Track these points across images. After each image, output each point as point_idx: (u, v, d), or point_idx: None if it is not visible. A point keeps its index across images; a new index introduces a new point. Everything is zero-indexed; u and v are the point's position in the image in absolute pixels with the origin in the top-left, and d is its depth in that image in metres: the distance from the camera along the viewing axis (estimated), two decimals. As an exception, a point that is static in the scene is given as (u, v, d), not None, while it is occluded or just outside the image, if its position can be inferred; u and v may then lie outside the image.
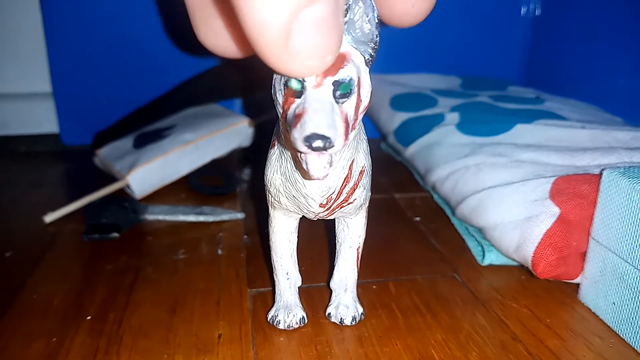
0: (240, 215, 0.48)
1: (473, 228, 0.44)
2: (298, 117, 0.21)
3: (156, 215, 0.48)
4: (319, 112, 0.21)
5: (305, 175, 0.26)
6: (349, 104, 0.23)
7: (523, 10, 0.74)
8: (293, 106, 0.22)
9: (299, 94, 0.22)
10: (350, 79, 0.22)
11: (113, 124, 0.67)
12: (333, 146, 0.21)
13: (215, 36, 0.21)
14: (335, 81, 0.22)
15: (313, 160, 0.22)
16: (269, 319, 0.34)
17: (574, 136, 0.44)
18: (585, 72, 0.64)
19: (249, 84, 0.65)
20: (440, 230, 0.47)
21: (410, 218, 0.50)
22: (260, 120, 0.60)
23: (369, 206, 0.32)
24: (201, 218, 0.47)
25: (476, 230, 0.43)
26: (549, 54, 0.72)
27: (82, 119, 0.69)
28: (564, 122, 0.47)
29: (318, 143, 0.20)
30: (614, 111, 0.56)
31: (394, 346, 0.32)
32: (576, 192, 0.35)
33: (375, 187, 0.31)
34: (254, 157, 0.65)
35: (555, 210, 0.35)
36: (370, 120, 0.66)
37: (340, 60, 0.22)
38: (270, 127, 0.31)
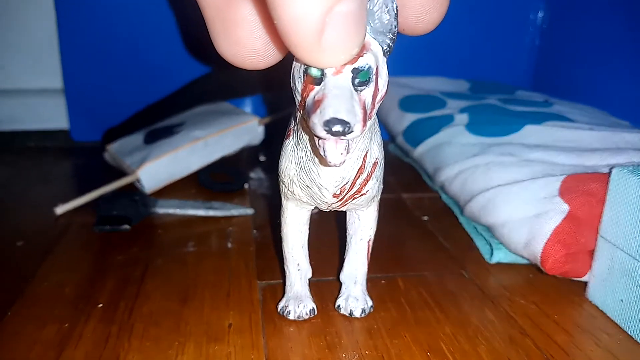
0: (249, 211, 0.49)
1: (481, 227, 0.44)
2: (317, 103, 0.22)
3: (166, 209, 0.48)
4: (339, 98, 0.21)
5: (323, 161, 0.26)
6: (367, 92, 0.23)
7: (531, 17, 0.75)
8: (312, 93, 0.23)
9: (318, 81, 0.22)
10: (369, 67, 0.23)
11: (123, 121, 0.68)
12: (352, 131, 0.21)
13: (235, 47, 0.21)
14: (355, 69, 0.22)
15: (331, 147, 0.22)
16: (279, 310, 0.34)
17: (583, 137, 0.44)
18: (592, 78, 0.65)
19: (260, 83, 0.66)
20: (448, 229, 0.47)
21: (418, 217, 0.50)
22: (270, 119, 0.61)
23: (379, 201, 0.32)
24: (211, 213, 0.48)
25: (484, 229, 0.43)
26: (557, 60, 0.72)
27: (93, 116, 0.70)
28: (572, 124, 0.47)
29: (337, 127, 0.21)
30: (621, 116, 0.56)
31: (403, 338, 0.32)
32: (585, 190, 0.36)
33: (383, 186, 0.32)
34: (265, 156, 0.65)
35: (565, 208, 0.36)
36: (379, 121, 0.67)
37: (361, 49, 0.22)
38: (281, 126, 0.31)
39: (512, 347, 0.31)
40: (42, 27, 0.69)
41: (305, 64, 0.23)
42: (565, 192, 0.36)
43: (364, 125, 0.22)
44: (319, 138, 0.22)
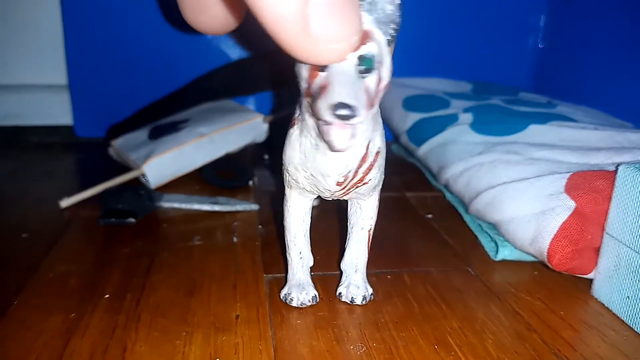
0: (254, 207, 0.49)
1: (486, 225, 0.44)
2: (323, 88, 0.22)
3: (172, 203, 0.48)
4: (344, 84, 0.22)
5: (329, 147, 0.27)
6: (371, 80, 0.24)
7: (533, 19, 0.76)
8: (317, 79, 0.24)
9: (323, 67, 0.23)
10: (373, 55, 0.24)
11: (127, 117, 0.68)
12: (356, 115, 0.22)
13: (199, 23, 0.24)
14: (360, 56, 0.23)
15: (336, 132, 0.23)
16: (282, 297, 0.34)
17: (588, 137, 0.44)
18: (594, 80, 0.65)
19: (264, 80, 0.66)
20: (452, 228, 0.47)
21: (422, 215, 0.50)
22: (275, 117, 0.61)
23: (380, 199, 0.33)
24: (216, 207, 0.48)
25: (489, 226, 0.44)
26: (559, 62, 0.73)
27: (97, 112, 0.70)
28: (576, 124, 0.47)
29: (343, 111, 0.21)
30: (623, 118, 0.57)
31: (410, 331, 0.32)
32: (591, 187, 0.36)
33: (386, 185, 0.32)
34: (269, 155, 0.66)
35: (571, 204, 0.36)
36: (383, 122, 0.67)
37: (364, 37, 0.23)
38: (285, 124, 0.32)
39: (519, 341, 0.31)
40: (48, 24, 0.69)
41: (313, 64, 0.23)
42: (571, 188, 0.37)
43: (368, 109, 0.23)
44: (325, 123, 0.23)
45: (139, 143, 0.56)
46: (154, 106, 0.67)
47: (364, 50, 0.23)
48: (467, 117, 0.53)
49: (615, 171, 0.34)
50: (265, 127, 0.60)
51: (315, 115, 0.23)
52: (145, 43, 0.68)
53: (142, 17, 0.67)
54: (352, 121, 0.22)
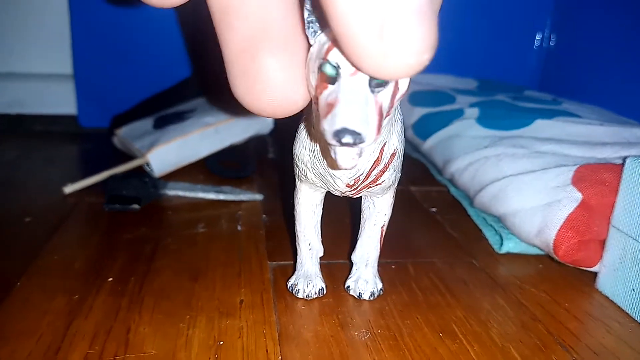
0: (258, 197, 0.49)
1: (491, 218, 0.44)
2: (329, 106, 0.20)
3: (176, 191, 0.48)
4: (352, 105, 0.19)
5: (333, 164, 0.26)
6: (385, 93, 0.21)
7: (540, 18, 0.75)
8: (326, 92, 0.20)
9: (332, 80, 0.20)
10: None
11: (131, 108, 0.68)
12: (363, 142, 0.19)
13: (252, 96, 0.18)
14: None
15: (341, 152, 0.21)
16: (288, 287, 0.34)
17: (594, 132, 0.44)
18: (599, 79, 0.65)
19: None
20: (456, 221, 0.47)
21: (427, 209, 0.50)
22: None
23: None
24: (221, 196, 0.48)
25: (494, 219, 0.43)
26: (564, 61, 0.73)
27: (101, 102, 0.70)
28: (582, 120, 0.47)
29: (347, 139, 0.19)
30: (630, 117, 0.56)
31: (414, 319, 0.32)
32: (598, 179, 0.36)
33: (400, 175, 0.31)
34: (274, 149, 0.66)
35: (578, 196, 0.36)
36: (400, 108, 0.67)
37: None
38: (290, 119, 0.30)
39: (524, 331, 0.31)
40: (54, 13, 0.69)
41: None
42: (578, 181, 0.36)
43: (378, 132, 0.20)
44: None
45: (143, 132, 0.56)
46: (159, 97, 0.67)
47: None
48: (473, 112, 0.53)
49: (622, 164, 0.34)
50: (270, 119, 0.60)
51: (320, 133, 0.21)
52: (151, 33, 0.68)
53: (148, 7, 0.67)
54: (359, 146, 0.20)
